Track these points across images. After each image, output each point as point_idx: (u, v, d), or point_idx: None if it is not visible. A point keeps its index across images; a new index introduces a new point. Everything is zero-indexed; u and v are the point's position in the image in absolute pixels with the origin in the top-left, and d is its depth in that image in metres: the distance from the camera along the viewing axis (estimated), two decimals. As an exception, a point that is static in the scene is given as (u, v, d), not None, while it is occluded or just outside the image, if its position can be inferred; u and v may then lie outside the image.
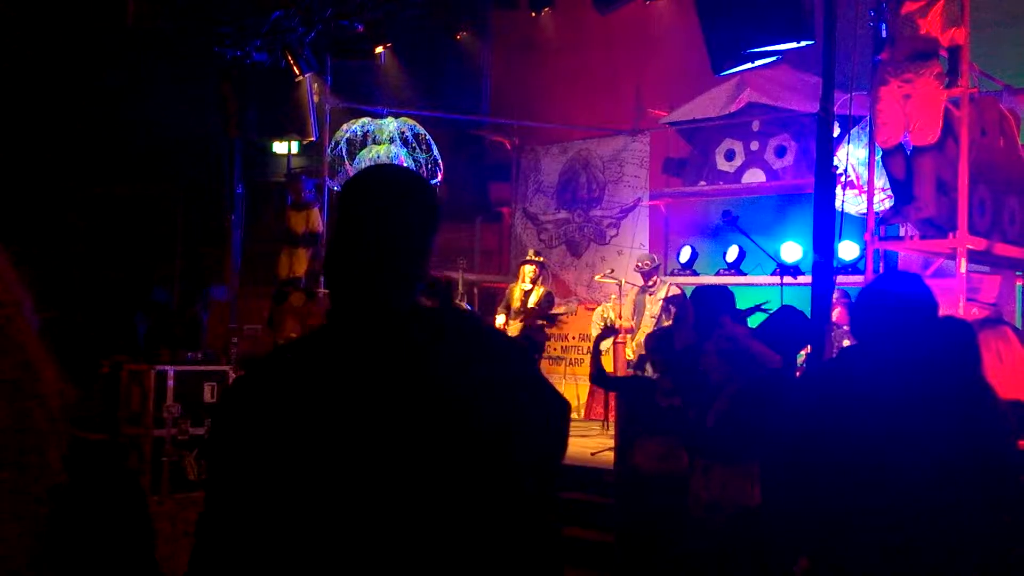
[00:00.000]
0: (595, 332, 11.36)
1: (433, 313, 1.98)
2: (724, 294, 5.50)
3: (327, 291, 1.96)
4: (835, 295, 8.55)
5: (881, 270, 8.57)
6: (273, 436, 1.78)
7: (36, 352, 1.45)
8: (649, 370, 9.86)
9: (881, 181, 8.99)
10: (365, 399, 1.78)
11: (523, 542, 1.84)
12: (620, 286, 11.27)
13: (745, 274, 11.36)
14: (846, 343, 8.23)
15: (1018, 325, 8.90)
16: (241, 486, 1.79)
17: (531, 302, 10.46)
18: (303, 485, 1.75)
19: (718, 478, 4.51)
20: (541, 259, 10.89)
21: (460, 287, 11.69)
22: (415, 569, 1.73)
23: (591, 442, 9.42)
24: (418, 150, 12.10)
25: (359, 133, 12.17)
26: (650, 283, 10.66)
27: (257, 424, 1.80)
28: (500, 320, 10.50)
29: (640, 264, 10.73)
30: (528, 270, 10.61)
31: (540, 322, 10.39)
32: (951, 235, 7.98)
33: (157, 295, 11.60)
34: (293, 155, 13.08)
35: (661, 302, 10.29)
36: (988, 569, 3.17)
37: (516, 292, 10.64)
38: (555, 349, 13.15)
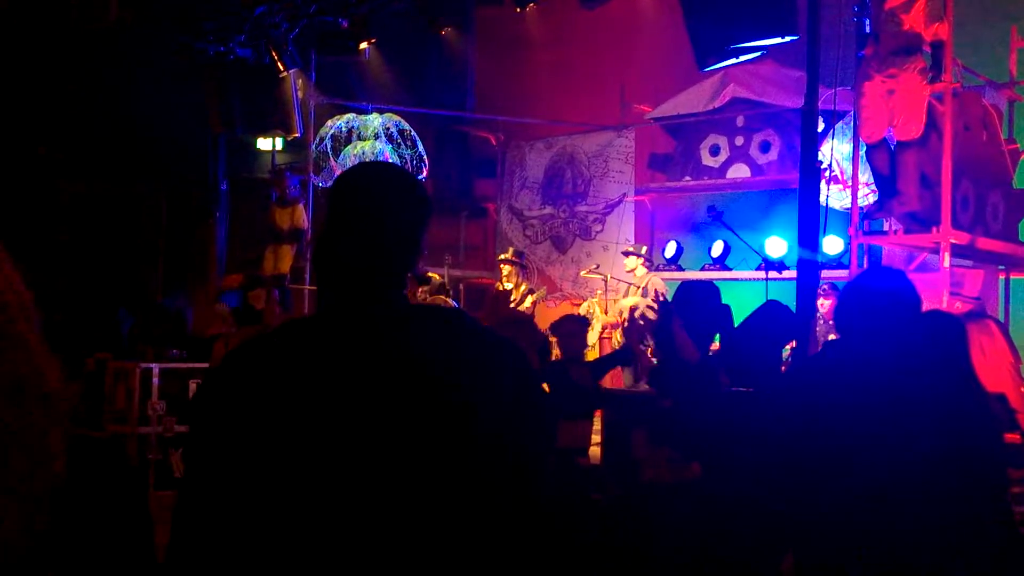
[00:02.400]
0: (581, 327, 11.37)
1: (423, 309, 1.99)
2: (709, 290, 5.50)
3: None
4: (824, 287, 8.58)
5: (865, 265, 8.61)
6: (259, 430, 1.75)
7: (39, 350, 1.45)
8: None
9: (865, 176, 9.03)
10: (355, 395, 1.77)
11: (522, 540, 1.84)
12: (606, 281, 11.28)
13: (730, 269, 11.39)
14: (832, 337, 8.27)
15: (1001, 319, 8.95)
16: (225, 481, 1.76)
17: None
18: (292, 480, 1.73)
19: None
20: (511, 256, 10.84)
21: (446, 283, 11.70)
22: (407, 567, 1.73)
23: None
24: (403, 146, 12.07)
25: (344, 129, 12.14)
26: (626, 268, 10.69)
27: (241, 418, 1.77)
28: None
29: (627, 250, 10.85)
30: (504, 269, 10.66)
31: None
32: (934, 229, 8.02)
33: (168, 302, 11.56)
34: (277, 151, 13.04)
35: (639, 293, 10.29)
36: (975, 563, 3.19)
37: (500, 290, 10.70)
38: (541, 345, 13.15)
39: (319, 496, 1.73)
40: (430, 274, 10.70)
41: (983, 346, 7.16)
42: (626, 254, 10.90)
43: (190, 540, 1.77)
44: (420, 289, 10.33)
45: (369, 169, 2.09)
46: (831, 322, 8.38)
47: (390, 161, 11.85)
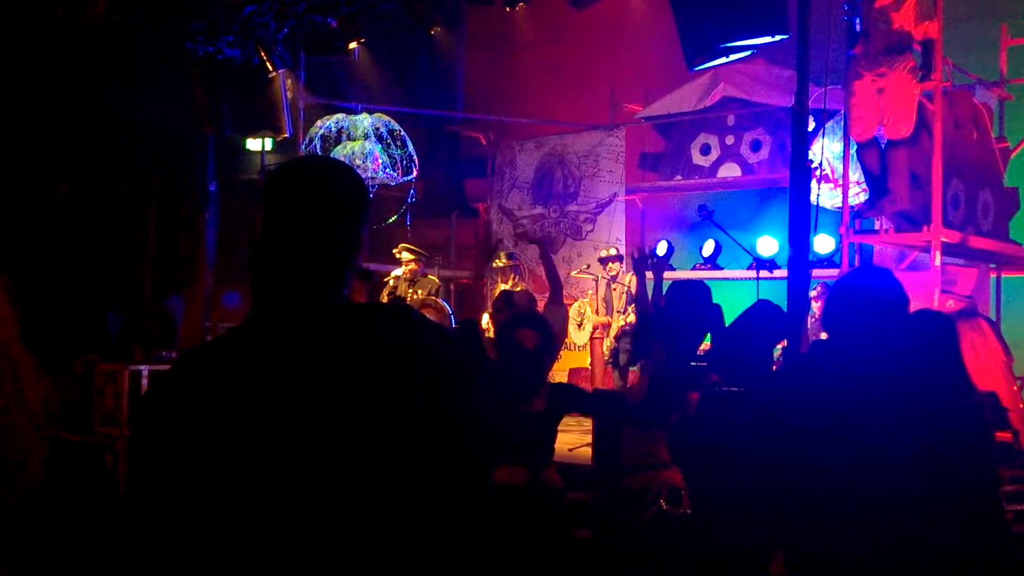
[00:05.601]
0: (572, 328, 11.35)
1: (362, 307, 1.95)
2: (700, 289, 5.49)
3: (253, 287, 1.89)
4: (817, 289, 8.57)
5: (856, 263, 8.61)
6: (201, 440, 1.72)
7: (16, 352, 1.43)
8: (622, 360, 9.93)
9: (856, 175, 9.03)
10: (295, 397, 1.74)
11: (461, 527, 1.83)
12: (597, 281, 11.26)
13: (721, 268, 11.39)
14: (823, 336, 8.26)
15: (992, 317, 8.96)
16: (169, 493, 1.73)
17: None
18: (237, 487, 1.70)
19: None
20: (508, 261, 10.81)
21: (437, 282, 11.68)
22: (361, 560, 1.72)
23: (569, 438, 9.41)
24: (393, 146, 12.04)
25: (333, 129, 12.11)
26: (611, 272, 10.64)
27: (182, 427, 1.74)
28: (485, 319, 10.47)
29: (603, 255, 10.81)
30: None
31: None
32: (925, 228, 8.02)
33: (172, 303, 11.52)
34: (267, 152, 13.00)
35: (625, 295, 10.28)
36: (966, 561, 3.18)
37: (497, 292, 10.65)
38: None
39: (255, 502, 1.70)
40: (430, 276, 10.71)
41: (975, 344, 7.16)
42: (608, 260, 10.81)
43: (133, 547, 1.74)
44: (412, 291, 10.33)
45: (297, 165, 2.00)
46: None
47: (379, 161, 11.83)
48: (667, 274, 11.03)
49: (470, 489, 1.84)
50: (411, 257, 10.50)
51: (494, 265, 10.95)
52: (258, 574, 1.69)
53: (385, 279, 10.63)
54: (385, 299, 10.12)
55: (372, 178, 11.93)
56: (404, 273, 10.39)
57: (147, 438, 1.79)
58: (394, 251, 10.71)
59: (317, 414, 1.73)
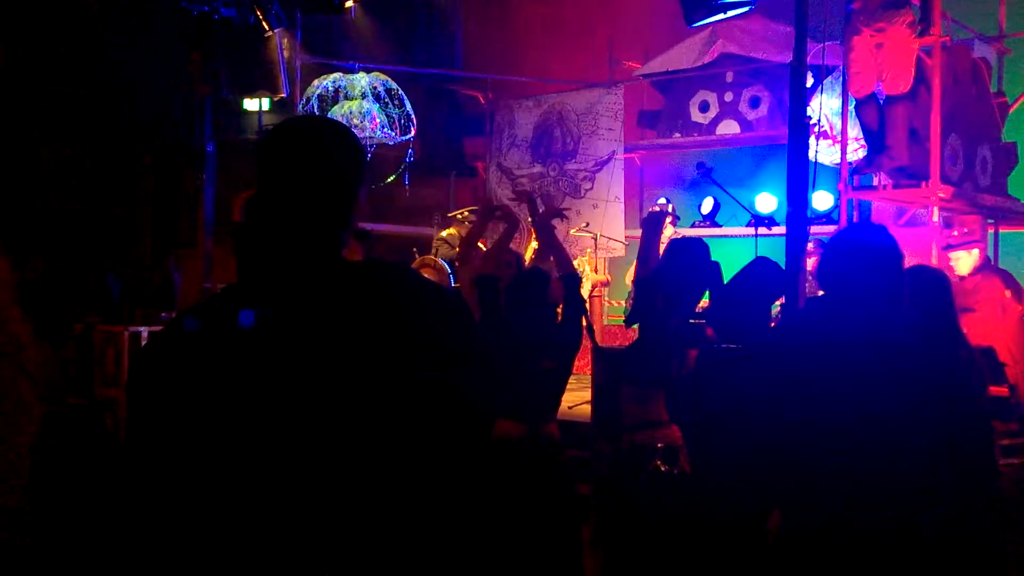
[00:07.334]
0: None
1: (360, 265, 1.95)
2: (699, 246, 5.49)
3: (242, 247, 1.90)
4: (811, 245, 8.57)
5: (855, 219, 8.61)
6: (199, 394, 1.74)
7: (14, 316, 1.44)
8: None
9: (854, 131, 9.00)
10: (291, 352, 1.75)
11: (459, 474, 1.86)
12: (596, 239, 11.26)
13: (720, 225, 11.39)
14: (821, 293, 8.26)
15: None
16: (169, 447, 1.75)
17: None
18: (236, 438, 1.72)
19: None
20: None
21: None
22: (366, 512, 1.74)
23: (568, 396, 9.45)
24: (391, 105, 11.99)
25: (330, 89, 12.05)
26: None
27: (180, 382, 1.75)
28: None
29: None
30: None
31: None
32: (924, 184, 8.01)
33: (171, 264, 11.53)
34: (264, 112, 12.93)
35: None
36: (959, 514, 3.21)
37: (527, 253, 10.64)
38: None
39: (255, 453, 1.72)
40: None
41: (1015, 295, 7.12)
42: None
43: (135, 502, 1.76)
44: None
45: (293, 125, 2.00)
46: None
47: (376, 120, 11.78)
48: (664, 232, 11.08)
49: (466, 439, 1.86)
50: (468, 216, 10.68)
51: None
52: (261, 526, 1.72)
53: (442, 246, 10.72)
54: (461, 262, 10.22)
55: (370, 138, 11.88)
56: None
57: (145, 393, 1.80)
58: (461, 213, 10.83)
59: (313, 368, 1.74)
